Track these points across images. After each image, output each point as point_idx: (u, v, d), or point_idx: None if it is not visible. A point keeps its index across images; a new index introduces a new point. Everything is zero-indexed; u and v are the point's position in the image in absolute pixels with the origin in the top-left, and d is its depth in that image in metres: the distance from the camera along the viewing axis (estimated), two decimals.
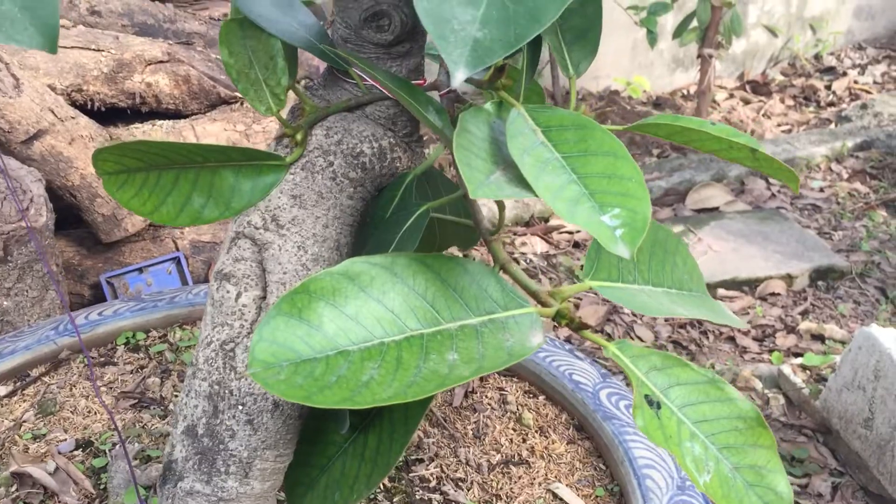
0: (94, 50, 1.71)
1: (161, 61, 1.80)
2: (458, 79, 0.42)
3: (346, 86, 0.66)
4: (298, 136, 0.63)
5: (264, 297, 0.63)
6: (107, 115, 1.78)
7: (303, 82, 0.69)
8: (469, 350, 0.52)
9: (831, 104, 3.12)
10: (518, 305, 0.56)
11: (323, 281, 0.51)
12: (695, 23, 2.64)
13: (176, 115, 1.86)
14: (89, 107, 1.76)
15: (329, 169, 0.63)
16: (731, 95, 3.21)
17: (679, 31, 2.68)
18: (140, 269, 1.66)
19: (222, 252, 0.65)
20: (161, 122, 1.82)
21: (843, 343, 1.76)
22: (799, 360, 1.61)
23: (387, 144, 0.65)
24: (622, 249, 0.48)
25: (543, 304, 0.59)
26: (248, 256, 0.63)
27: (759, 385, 1.59)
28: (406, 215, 0.62)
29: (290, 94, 0.65)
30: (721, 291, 1.93)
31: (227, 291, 0.63)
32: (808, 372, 1.58)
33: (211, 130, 1.82)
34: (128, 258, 1.68)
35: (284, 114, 0.66)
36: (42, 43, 0.47)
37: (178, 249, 1.71)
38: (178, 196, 0.65)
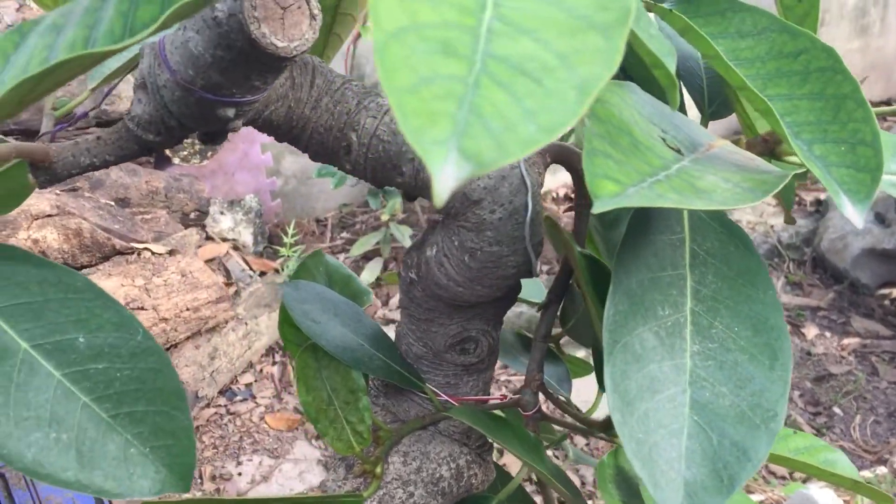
0: None
1: (49, 215, 1.65)
2: None
3: (413, 397, 0.61)
4: (378, 470, 0.58)
5: None
6: None
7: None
8: None
9: None
10: None
11: None
12: None
13: None
14: None
15: (409, 501, 0.58)
16: None
17: None
18: None
19: None
20: None
21: None
22: None
23: (463, 463, 0.61)
24: None
25: None
26: None
27: None
28: None
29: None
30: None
31: None
32: None
33: (107, 286, 1.68)
34: None
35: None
36: (174, 484, 0.40)
37: None
38: None
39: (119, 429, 0.39)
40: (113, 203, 1.84)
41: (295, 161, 2.82)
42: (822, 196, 3.10)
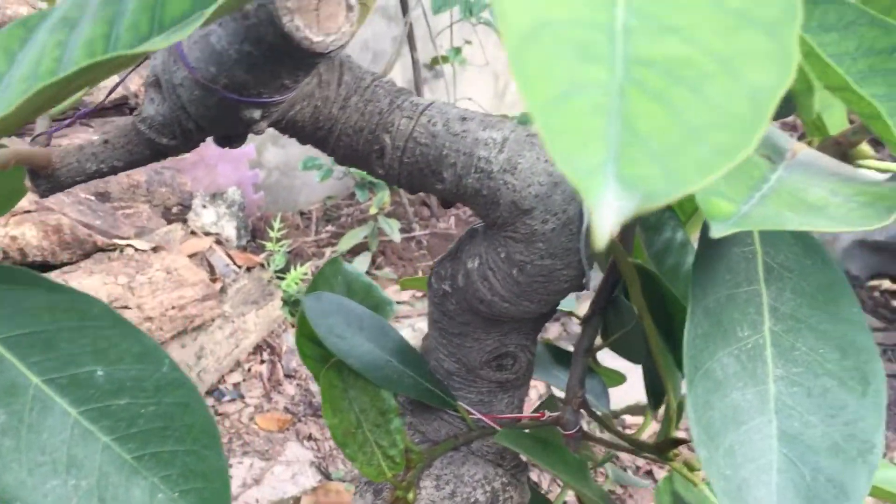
0: None
1: (27, 211, 1.59)
2: None
3: (443, 416, 0.57)
4: (410, 496, 0.54)
5: None
6: None
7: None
8: None
9: None
10: None
11: None
12: None
13: (43, 266, 1.64)
14: None
15: None
16: None
17: None
18: None
19: None
20: None
21: None
22: None
23: (499, 485, 0.57)
24: None
25: None
26: None
27: None
28: None
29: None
30: (628, 419, 1.95)
31: None
32: None
33: (89, 284, 1.62)
34: None
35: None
36: None
37: None
38: None
39: (144, 472, 0.34)
40: (93, 198, 1.78)
41: (277, 153, 2.76)
42: None
